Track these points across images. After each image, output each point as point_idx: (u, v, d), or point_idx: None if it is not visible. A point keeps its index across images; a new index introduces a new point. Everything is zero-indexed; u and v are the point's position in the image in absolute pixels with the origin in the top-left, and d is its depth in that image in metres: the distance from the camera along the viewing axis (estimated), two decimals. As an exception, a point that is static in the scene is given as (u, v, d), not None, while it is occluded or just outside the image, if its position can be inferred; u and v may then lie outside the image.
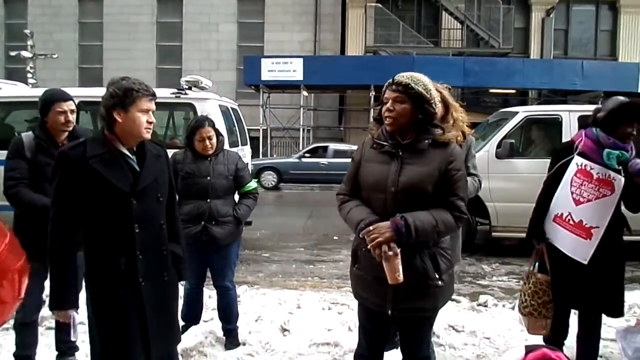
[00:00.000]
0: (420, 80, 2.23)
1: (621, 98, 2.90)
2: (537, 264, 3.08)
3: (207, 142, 3.50)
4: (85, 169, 2.13)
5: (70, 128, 3.12)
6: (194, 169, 3.53)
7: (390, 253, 2.08)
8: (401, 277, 2.09)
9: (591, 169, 2.82)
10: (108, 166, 2.16)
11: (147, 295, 2.24)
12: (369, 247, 2.14)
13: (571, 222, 2.87)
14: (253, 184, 3.78)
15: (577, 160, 2.87)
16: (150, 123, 2.21)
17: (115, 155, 2.19)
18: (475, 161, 3.22)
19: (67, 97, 3.12)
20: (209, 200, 3.51)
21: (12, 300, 1.32)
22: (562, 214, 2.91)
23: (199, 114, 5.80)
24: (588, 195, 2.82)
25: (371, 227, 2.14)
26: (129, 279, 2.21)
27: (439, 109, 2.45)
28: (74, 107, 3.13)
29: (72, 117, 3.10)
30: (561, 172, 2.93)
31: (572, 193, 2.87)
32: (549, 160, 3.09)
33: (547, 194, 3.00)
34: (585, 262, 2.83)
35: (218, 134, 3.62)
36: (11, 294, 1.30)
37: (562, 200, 2.92)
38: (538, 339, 3.20)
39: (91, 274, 2.23)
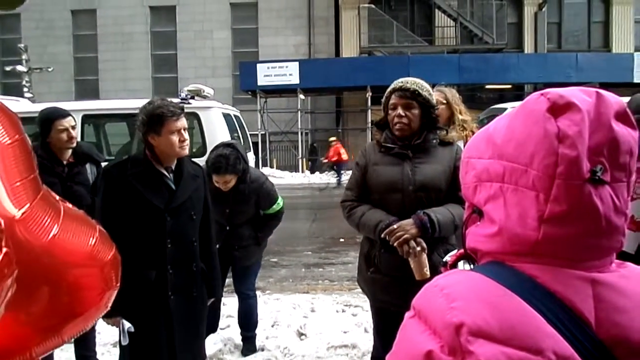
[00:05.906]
0: (424, 85, 2.32)
1: None
2: None
3: (224, 185, 3.25)
4: (125, 185, 2.22)
5: (74, 144, 3.10)
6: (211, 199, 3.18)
7: (419, 248, 2.13)
8: (428, 273, 2.12)
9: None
10: (146, 183, 2.25)
11: (176, 310, 2.29)
12: (394, 244, 2.16)
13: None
14: (277, 206, 3.53)
15: None
16: (182, 141, 2.26)
17: (153, 174, 2.28)
18: None
19: (65, 114, 3.10)
20: (227, 228, 3.40)
21: (107, 288, 1.38)
22: None
23: (203, 123, 5.83)
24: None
25: (395, 226, 2.17)
26: (159, 293, 2.27)
27: (442, 111, 2.65)
28: (74, 123, 3.12)
29: (74, 133, 3.09)
30: None
31: None
32: None
33: None
34: (633, 253, 2.91)
35: (240, 165, 3.24)
36: (104, 284, 1.36)
37: None
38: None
39: (122, 286, 2.26)
